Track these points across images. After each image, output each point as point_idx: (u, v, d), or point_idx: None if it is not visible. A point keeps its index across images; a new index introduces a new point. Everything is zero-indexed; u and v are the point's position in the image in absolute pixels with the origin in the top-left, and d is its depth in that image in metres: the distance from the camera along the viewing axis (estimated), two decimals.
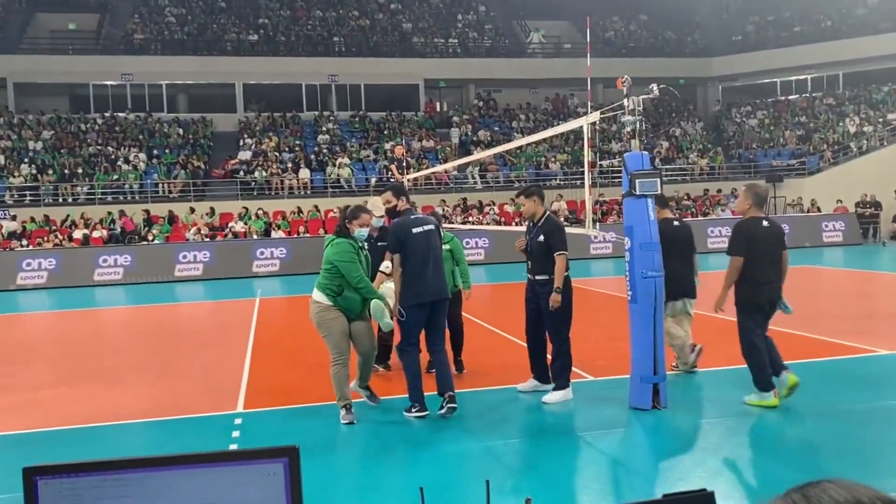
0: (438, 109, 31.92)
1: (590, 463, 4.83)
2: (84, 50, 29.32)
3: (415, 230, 5.77)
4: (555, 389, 6.15)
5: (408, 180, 14.20)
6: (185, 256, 19.42)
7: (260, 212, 22.63)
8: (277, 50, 30.31)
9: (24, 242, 20.43)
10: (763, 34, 33.47)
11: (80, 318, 13.60)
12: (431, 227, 5.91)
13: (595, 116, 6.47)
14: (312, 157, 26.63)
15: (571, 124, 8.29)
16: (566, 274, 6.07)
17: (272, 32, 31.19)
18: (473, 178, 26.47)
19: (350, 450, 5.25)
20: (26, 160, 24.71)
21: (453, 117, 30.37)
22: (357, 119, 29.75)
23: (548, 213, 6.31)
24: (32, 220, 21.92)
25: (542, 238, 6.09)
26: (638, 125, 5.97)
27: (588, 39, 7.56)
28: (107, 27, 30.82)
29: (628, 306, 5.96)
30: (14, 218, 21.83)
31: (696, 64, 33.32)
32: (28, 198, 23.42)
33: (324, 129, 28.58)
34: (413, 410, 5.74)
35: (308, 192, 24.87)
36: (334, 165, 25.92)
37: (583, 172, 26.34)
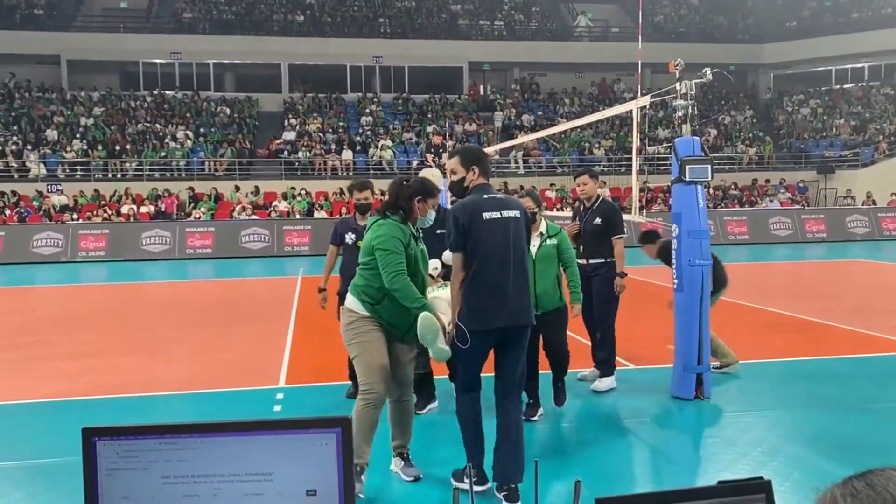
0: (482, 93, 31.73)
1: (632, 450, 4.79)
2: (135, 28, 29.82)
3: (487, 215, 3.77)
4: (602, 376, 6.04)
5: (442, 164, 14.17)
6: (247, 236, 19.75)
7: (303, 192, 22.87)
8: (323, 31, 30.42)
9: (75, 216, 20.96)
10: (819, 20, 32.47)
11: (129, 291, 13.93)
12: (515, 213, 3.88)
13: (645, 100, 6.36)
14: (356, 138, 26.74)
15: (619, 108, 8.16)
16: (612, 260, 5.94)
17: (318, 13, 31.30)
18: (516, 162, 26.30)
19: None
20: (78, 136, 25.30)
21: (496, 101, 30.17)
22: (400, 101, 29.75)
23: (602, 196, 6.12)
24: (82, 194, 22.46)
25: (598, 220, 5.91)
26: (689, 110, 5.84)
27: (640, 21, 7.41)
28: (156, 5, 31.27)
29: (673, 295, 5.86)
30: (61, 192, 22.41)
31: (748, 51, 32.50)
32: (79, 172, 23.99)
33: (367, 110, 28.65)
34: (465, 479, 3.85)
35: (350, 173, 24.99)
36: (377, 147, 26.00)
37: (627, 159, 26.34)
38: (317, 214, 21.74)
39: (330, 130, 27.18)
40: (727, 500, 1.15)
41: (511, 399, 3.87)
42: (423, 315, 3.78)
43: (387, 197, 4.01)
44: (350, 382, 5.69)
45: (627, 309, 8.94)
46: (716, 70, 5.85)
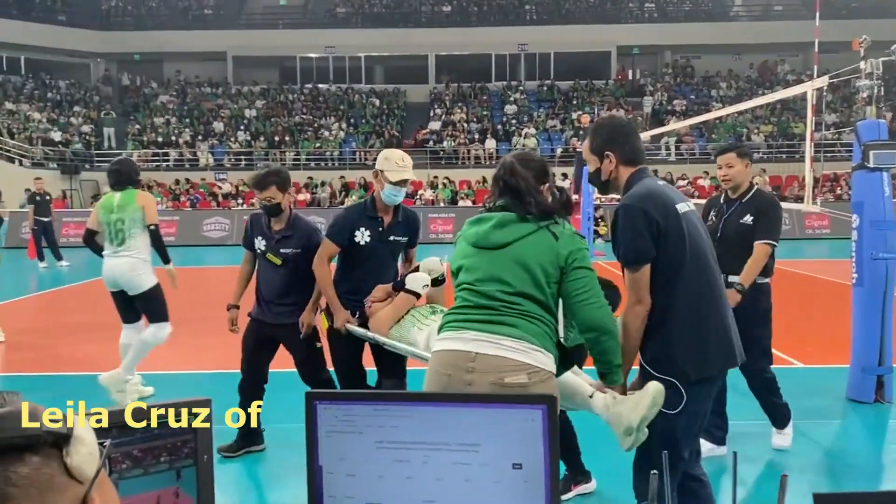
0: (631, 77, 30.82)
1: (805, 453, 4.50)
2: (292, 24, 31.43)
3: (681, 208, 2.58)
4: (780, 428, 4.47)
5: None
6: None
7: (446, 180, 23.29)
8: (469, 20, 30.69)
9: (240, 201, 22.50)
10: None
11: None
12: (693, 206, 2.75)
13: (822, 82, 5.91)
14: (499, 127, 26.83)
15: (791, 90, 7.64)
16: (767, 280, 4.20)
17: (465, 3, 31.60)
18: (667, 149, 25.35)
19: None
20: (242, 127, 27.10)
21: (646, 86, 29.20)
22: (545, 88, 29.50)
23: (756, 185, 4.35)
24: (244, 182, 24.07)
25: (750, 219, 4.09)
26: (875, 90, 5.37)
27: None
28: (312, 2, 32.80)
29: (852, 291, 5.44)
30: (225, 180, 24.14)
31: None
32: (243, 162, 25.70)
33: (511, 99, 28.64)
34: None
35: (493, 162, 25.12)
36: (520, 136, 25.95)
37: (789, 145, 24.51)
38: (460, 203, 22.07)
39: (474, 120, 27.43)
40: None
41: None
42: (656, 387, 2.35)
43: (535, 190, 2.50)
44: None
45: (795, 305, 8.40)
46: None
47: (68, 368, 6.62)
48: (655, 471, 1.45)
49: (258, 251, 4.33)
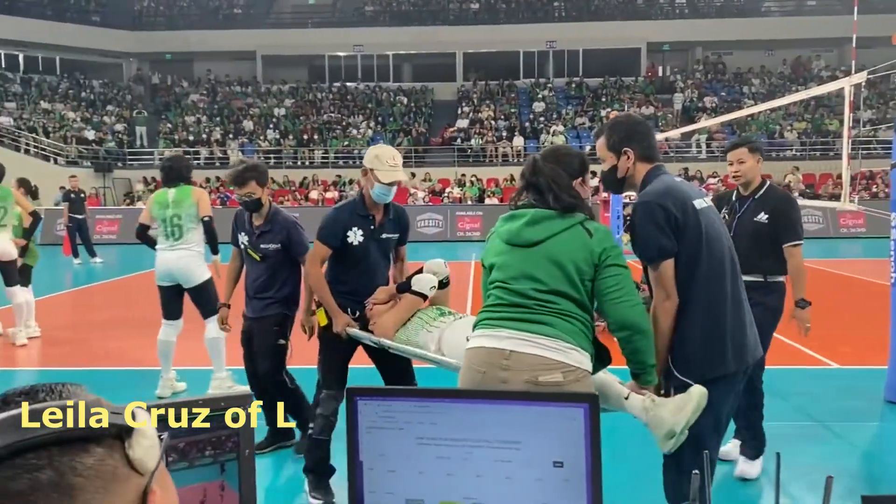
0: (661, 74, 30.52)
1: (842, 455, 4.42)
2: (321, 23, 31.62)
3: (699, 204, 2.57)
4: (752, 457, 4.05)
5: None
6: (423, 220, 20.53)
7: (473, 178, 23.27)
8: (497, 18, 30.63)
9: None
10: None
11: None
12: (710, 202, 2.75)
13: (860, 77, 5.80)
14: (527, 124, 26.74)
15: (827, 86, 7.50)
16: (782, 279, 3.96)
17: (493, 0, 31.54)
18: (698, 146, 25.07)
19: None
20: (271, 126, 27.34)
21: (677, 82, 28.91)
22: (573, 85, 29.34)
23: (768, 181, 4.16)
24: (273, 180, 24.28)
25: (764, 217, 3.91)
26: None
27: None
28: (341, 0, 32.96)
29: (891, 290, 5.33)
30: None
31: None
32: (272, 160, 25.92)
33: (539, 96, 28.53)
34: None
35: (521, 159, 25.05)
36: (549, 133, 25.84)
37: (823, 142, 24.11)
38: (487, 201, 22.05)
39: (502, 117, 27.37)
40: None
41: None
42: (700, 391, 2.32)
43: (557, 186, 2.45)
44: None
45: (829, 304, 8.27)
46: None
47: (102, 363, 6.73)
48: (697, 470, 1.43)
49: (241, 247, 4.32)
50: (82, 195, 15.29)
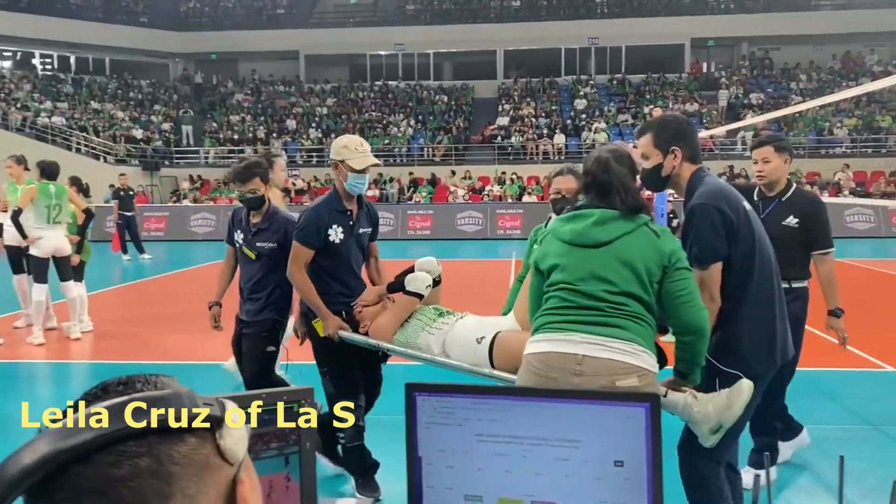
0: (705, 70, 30.01)
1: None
2: (362, 22, 31.84)
3: (746, 205, 2.66)
4: (754, 466, 3.78)
5: None
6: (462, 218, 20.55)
7: (514, 176, 23.19)
8: (539, 15, 30.47)
9: (312, 197, 22.97)
10: None
11: None
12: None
13: None
14: (568, 121, 26.56)
15: (882, 83, 7.27)
16: (804, 284, 3.77)
17: None
18: (744, 143, 24.59)
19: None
20: (314, 125, 27.63)
21: (721, 79, 28.40)
22: (616, 82, 29.05)
23: (794, 183, 3.89)
24: (315, 178, 24.52)
25: (794, 221, 3.70)
26: None
27: None
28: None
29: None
30: (297, 176, 24.66)
31: None
32: (315, 159, 26.21)
33: (581, 93, 28.31)
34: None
35: (562, 157, 24.88)
36: (590, 130, 25.62)
37: (875, 140, 23.40)
38: (527, 199, 21.95)
39: (543, 115, 27.23)
40: None
41: None
42: (749, 386, 2.40)
43: (625, 187, 2.43)
44: None
45: (881, 305, 8.05)
46: None
47: (152, 357, 6.88)
48: (760, 472, 1.42)
49: (237, 245, 4.21)
50: (131, 193, 15.66)
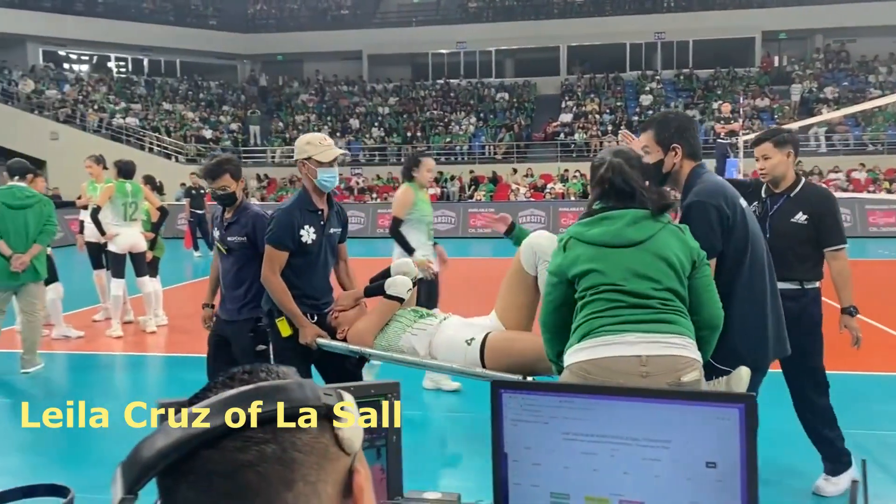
0: (777, 64, 29.07)
1: None
2: (425, 21, 31.99)
3: (742, 202, 2.74)
4: (830, 473, 3.67)
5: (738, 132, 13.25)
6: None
7: (577, 174, 22.92)
8: (603, 10, 30.04)
9: (374, 196, 23.21)
10: None
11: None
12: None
13: None
14: (634, 118, 26.09)
15: None
16: (816, 285, 3.62)
17: None
18: (817, 139, 23.74)
19: None
20: (376, 124, 27.93)
21: (794, 72, 27.47)
22: (683, 77, 28.41)
23: (803, 178, 3.74)
24: (378, 177, 24.79)
25: (803, 218, 3.55)
26: None
27: None
28: None
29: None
30: (359, 175, 24.96)
31: None
32: (377, 158, 26.49)
33: (647, 88, 27.79)
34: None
35: None
36: None
37: None
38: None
39: (607, 111, 26.85)
40: None
41: None
42: (747, 372, 2.61)
43: (643, 189, 2.49)
44: None
45: None
46: None
47: None
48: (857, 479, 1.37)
49: (214, 242, 4.20)
50: (202, 191, 16.09)
